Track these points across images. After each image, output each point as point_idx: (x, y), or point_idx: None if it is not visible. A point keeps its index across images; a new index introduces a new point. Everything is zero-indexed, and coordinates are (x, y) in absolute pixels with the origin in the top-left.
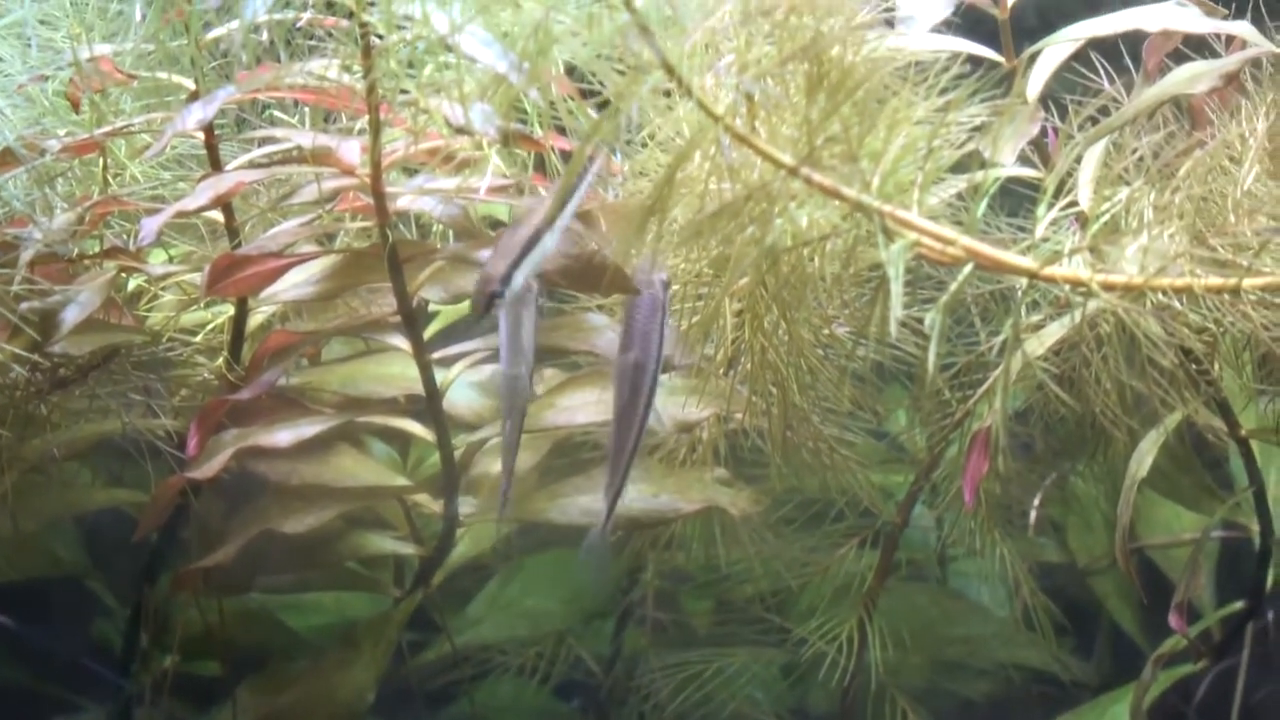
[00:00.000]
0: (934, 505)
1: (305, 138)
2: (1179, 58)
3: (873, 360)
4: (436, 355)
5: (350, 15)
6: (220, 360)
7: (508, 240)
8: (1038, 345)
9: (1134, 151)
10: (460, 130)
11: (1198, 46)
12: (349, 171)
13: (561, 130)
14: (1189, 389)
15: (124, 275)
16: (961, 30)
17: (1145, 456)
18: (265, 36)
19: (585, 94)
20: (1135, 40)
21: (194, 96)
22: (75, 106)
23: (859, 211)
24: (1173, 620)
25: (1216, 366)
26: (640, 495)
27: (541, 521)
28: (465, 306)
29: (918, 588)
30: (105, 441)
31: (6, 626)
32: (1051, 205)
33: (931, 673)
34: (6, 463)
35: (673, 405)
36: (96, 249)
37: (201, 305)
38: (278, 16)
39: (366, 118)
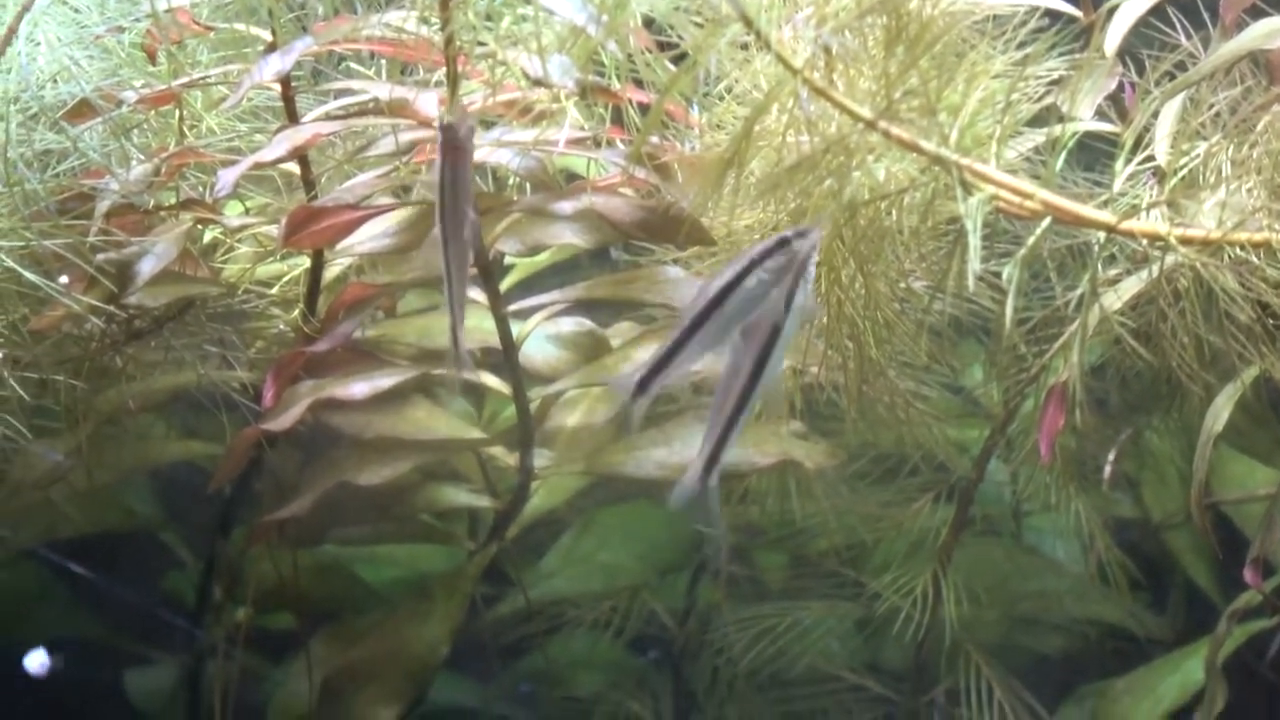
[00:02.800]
0: (1009, 460)
1: (382, 90)
2: (1256, 13)
3: (949, 314)
4: (512, 308)
5: None
6: (296, 312)
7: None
8: (1115, 300)
9: (1211, 106)
10: (538, 82)
11: (1276, 2)
12: (426, 123)
13: (639, 83)
14: (1266, 344)
15: (200, 227)
16: None
17: (1221, 411)
18: None
19: (663, 47)
20: None
21: (271, 48)
22: (152, 58)
23: (937, 165)
24: (1248, 575)
25: None
26: None
27: (617, 475)
28: (541, 259)
29: (992, 543)
30: (180, 393)
31: (81, 578)
32: (1129, 160)
33: (1006, 628)
34: (82, 415)
35: None
36: (173, 201)
37: (278, 257)
38: None
39: (444, 70)
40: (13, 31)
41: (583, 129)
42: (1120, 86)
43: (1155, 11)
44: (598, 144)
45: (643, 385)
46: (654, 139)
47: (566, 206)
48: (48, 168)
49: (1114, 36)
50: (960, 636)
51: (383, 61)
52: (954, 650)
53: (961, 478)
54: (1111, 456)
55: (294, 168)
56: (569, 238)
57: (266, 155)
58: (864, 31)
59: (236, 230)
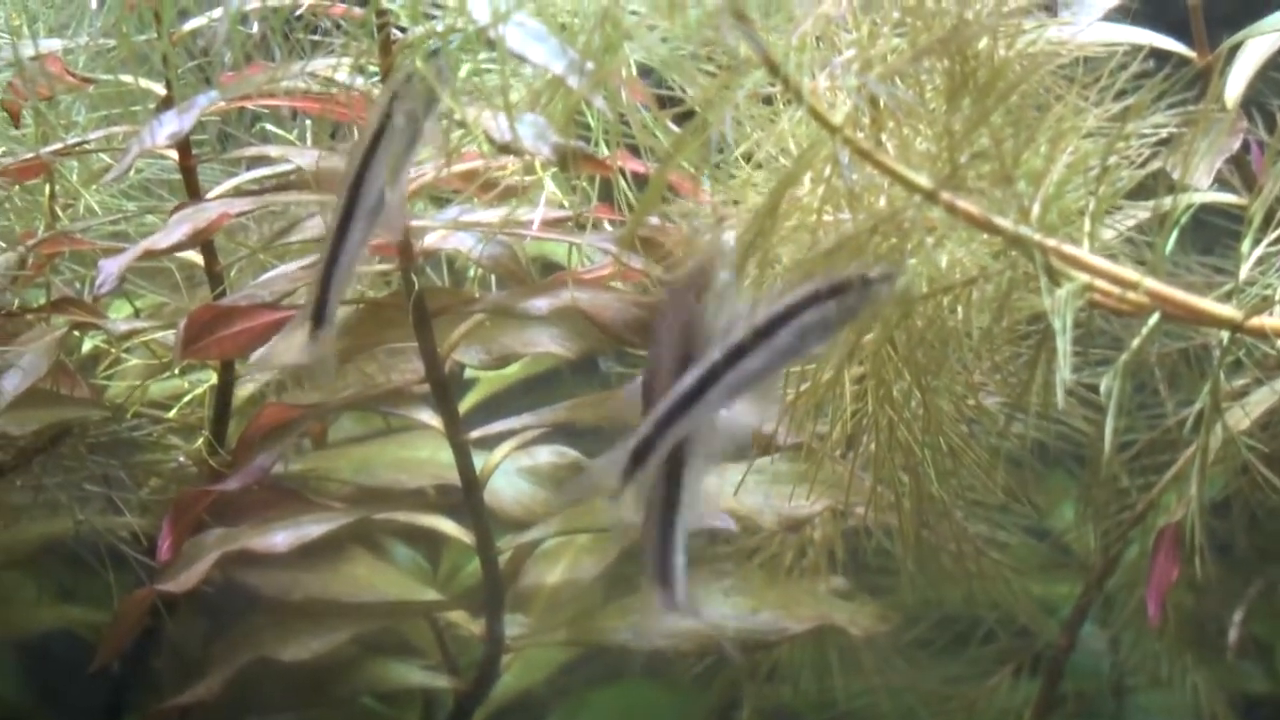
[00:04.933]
0: (1108, 623)
1: (307, 157)
2: None
3: (1032, 439)
4: (475, 435)
5: (364, 1)
6: (200, 441)
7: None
8: (1242, 417)
9: None
10: (505, 148)
11: None
12: None
13: (634, 149)
14: None
15: (77, 333)
16: (1142, 18)
17: None
18: (256, 29)
19: (664, 103)
20: None
21: (166, 104)
22: (15, 119)
23: (1015, 247)
24: None
25: None
26: (736, 612)
27: (611, 645)
28: (512, 372)
29: None
30: (54, 545)
31: None
32: (1258, 239)
33: None
34: None
35: (777, 497)
36: (42, 299)
37: (176, 371)
38: (272, 3)
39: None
40: None
41: (563, 207)
42: (1245, 146)
43: None
44: (581, 226)
45: (639, 454)
46: (653, 219)
47: (542, 305)
48: None
49: (1236, 83)
50: None
51: (307, 121)
52: None
53: (1049, 646)
54: (1238, 617)
55: (196, 257)
56: (546, 345)
57: (161, 241)
58: (920, 79)
59: (124, 337)
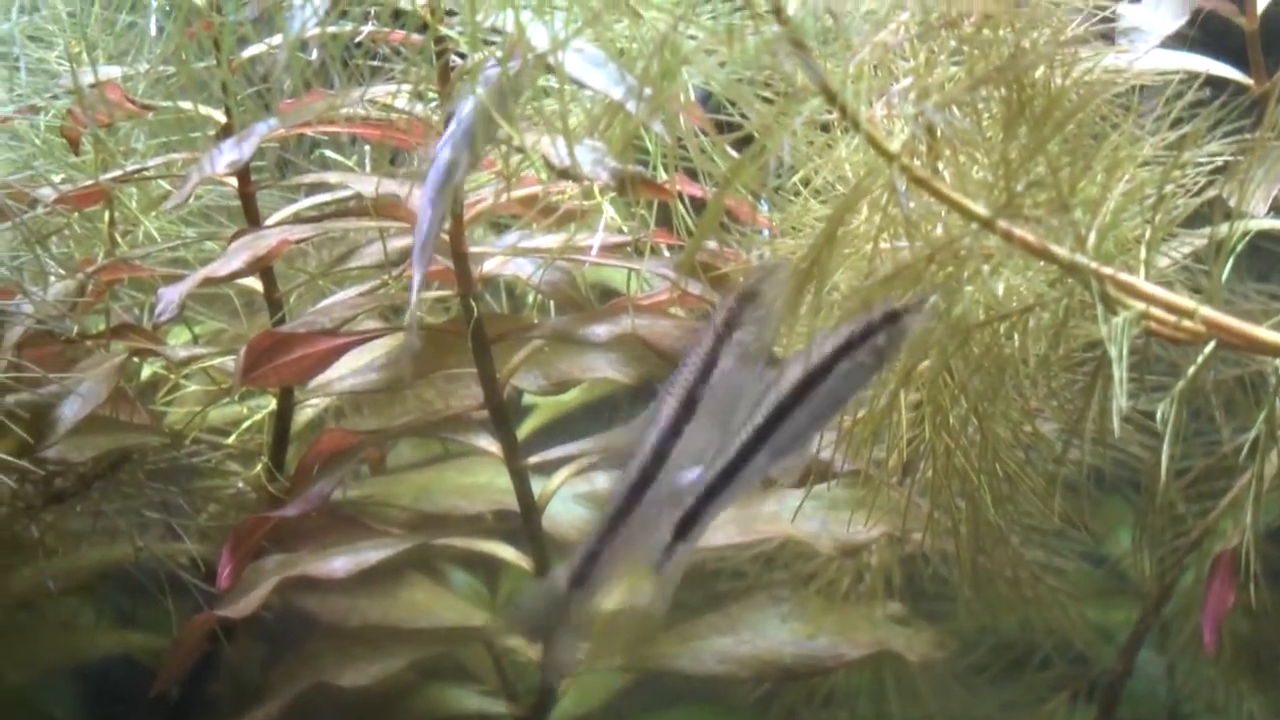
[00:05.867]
0: (1165, 649)
1: (366, 184)
2: None
3: (1088, 465)
4: (533, 460)
5: (424, 28)
6: (259, 468)
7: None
8: None
9: None
10: (564, 174)
11: None
12: None
13: (692, 174)
14: None
15: (137, 360)
16: (1199, 46)
17: None
18: (315, 56)
19: (722, 128)
20: None
21: (225, 131)
22: (74, 146)
23: (1071, 275)
24: None
25: None
26: (793, 637)
27: (669, 670)
28: (568, 399)
29: None
30: (113, 571)
31: None
32: None
33: None
34: None
35: (835, 522)
36: (101, 326)
37: (235, 398)
38: (331, 30)
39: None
40: None
41: (621, 232)
42: None
43: None
44: (640, 251)
45: (683, 529)
46: (711, 244)
47: (601, 331)
48: None
49: None
50: None
51: (366, 148)
52: None
53: (1105, 672)
54: None
55: (255, 284)
56: (604, 371)
57: (220, 269)
58: (977, 107)
59: (183, 363)
